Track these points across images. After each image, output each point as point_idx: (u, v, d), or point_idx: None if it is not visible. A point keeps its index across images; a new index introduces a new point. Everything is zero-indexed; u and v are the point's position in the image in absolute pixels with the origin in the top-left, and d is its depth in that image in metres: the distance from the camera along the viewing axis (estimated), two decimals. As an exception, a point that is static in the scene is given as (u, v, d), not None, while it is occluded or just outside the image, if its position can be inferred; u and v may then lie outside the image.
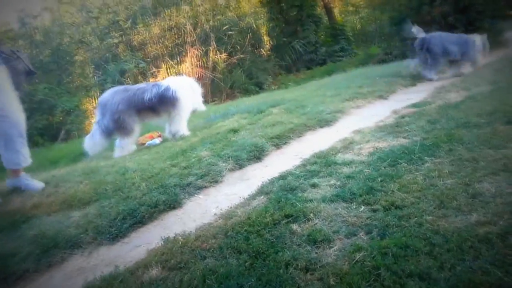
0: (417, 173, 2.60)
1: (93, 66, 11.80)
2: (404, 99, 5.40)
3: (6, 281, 2.09)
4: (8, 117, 3.24)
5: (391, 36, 12.91)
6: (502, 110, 3.56)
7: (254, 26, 13.51)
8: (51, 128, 9.44)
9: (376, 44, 16.62)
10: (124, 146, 4.59)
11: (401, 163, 2.81)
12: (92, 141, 4.65)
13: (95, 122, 4.73)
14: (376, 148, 3.31)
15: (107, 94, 4.67)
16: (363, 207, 2.28)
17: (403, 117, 4.25)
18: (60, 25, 12.50)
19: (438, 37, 6.63)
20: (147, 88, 4.66)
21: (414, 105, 4.72)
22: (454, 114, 3.80)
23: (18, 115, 3.31)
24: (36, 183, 3.42)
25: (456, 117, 3.67)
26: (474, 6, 9.95)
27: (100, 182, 3.32)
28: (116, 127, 4.52)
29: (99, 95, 10.91)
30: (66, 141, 8.96)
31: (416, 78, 6.79)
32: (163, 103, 4.67)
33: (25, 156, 3.42)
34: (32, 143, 8.80)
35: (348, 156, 3.25)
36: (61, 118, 9.63)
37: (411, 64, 7.09)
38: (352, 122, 4.55)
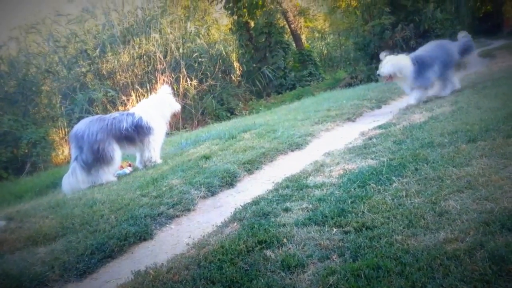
0: (386, 193, 2.65)
1: (60, 96, 11.57)
2: (371, 121, 5.56)
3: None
4: None
5: (356, 60, 13.38)
6: (464, 129, 3.71)
7: (224, 53, 13.69)
8: (16, 161, 9.11)
9: (342, 68, 17.17)
10: (104, 176, 4.46)
11: (370, 184, 2.86)
12: (73, 180, 4.37)
13: (72, 160, 4.51)
14: (346, 170, 3.36)
15: (82, 125, 4.51)
16: (335, 230, 2.30)
17: (370, 138, 4.36)
18: (26, 55, 12.27)
19: None
20: (122, 118, 4.59)
21: (380, 127, 4.85)
22: (419, 135, 3.93)
23: None
24: None
25: (420, 137, 3.80)
26: (433, 30, 10.50)
27: (67, 215, 3.21)
28: (96, 158, 4.37)
29: (66, 126, 10.72)
30: (32, 174, 8.64)
31: (381, 101, 7.02)
32: (139, 132, 4.62)
33: None
34: (-4, 177, 8.46)
35: (319, 179, 3.28)
36: (26, 150, 9.32)
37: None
38: (322, 145, 4.63)
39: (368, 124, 5.36)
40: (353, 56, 14.32)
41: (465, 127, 3.77)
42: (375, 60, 11.74)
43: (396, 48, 10.58)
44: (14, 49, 12.39)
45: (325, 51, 20.70)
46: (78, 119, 10.36)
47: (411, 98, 6.04)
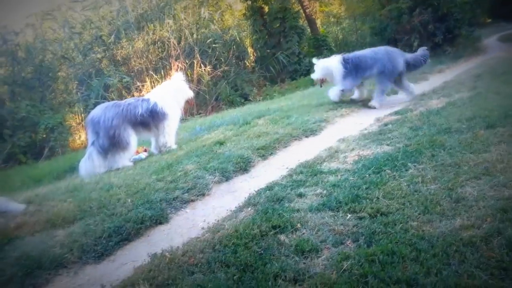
0: (401, 179, 2.63)
1: (76, 82, 11.67)
2: (387, 107, 5.48)
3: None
4: None
5: (372, 45, 13.12)
6: (482, 115, 3.64)
7: (238, 39, 13.59)
8: (34, 146, 9.25)
9: (358, 52, 16.84)
10: (120, 161, 4.51)
11: (385, 170, 2.84)
12: (90, 164, 4.43)
13: (89, 145, 4.57)
14: (361, 156, 3.34)
15: (98, 111, 4.56)
16: (349, 215, 2.30)
17: (386, 124, 4.31)
18: (43, 41, 12.38)
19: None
20: (137, 104, 4.63)
21: (396, 113, 4.79)
22: (436, 120, 3.87)
23: None
24: (16, 206, 3.33)
25: (437, 123, 3.74)
26: (452, 14, 10.19)
27: (84, 199, 3.27)
28: (112, 143, 4.42)
29: (83, 111, 10.84)
30: (50, 158, 8.79)
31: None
32: (154, 118, 4.66)
33: None
34: (15, 161, 8.64)
35: (334, 165, 3.27)
36: (44, 135, 9.45)
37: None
38: (337, 131, 4.60)
39: (384, 110, 5.30)
40: (369, 41, 14.05)
41: (483, 112, 3.70)
42: (392, 45, 11.53)
43: (413, 32, 10.33)
44: (31, 36, 12.49)
45: (341, 36, 20.35)
46: (94, 105, 10.48)
47: (333, 95, 6.02)
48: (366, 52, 5.98)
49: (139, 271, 2.08)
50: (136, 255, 2.40)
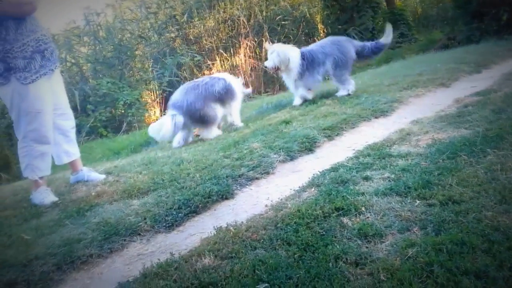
0: (478, 166, 2.45)
1: (151, 60, 12.27)
2: (468, 87, 5.08)
3: (72, 265, 2.27)
4: (67, 113, 3.53)
5: (455, 19, 12.14)
6: None
7: (308, 15, 13.29)
8: (113, 120, 9.99)
9: (438, 28, 15.69)
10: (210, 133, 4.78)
11: (461, 155, 2.66)
12: (169, 131, 4.54)
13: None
14: (435, 140, 3.16)
15: (179, 96, 4.72)
16: (418, 202, 2.20)
17: (465, 106, 4.01)
18: (122, 21, 13.12)
19: None
20: (213, 82, 4.82)
21: (478, 94, 4.43)
22: (523, 103, 3.52)
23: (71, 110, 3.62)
24: (98, 176, 3.65)
25: (525, 106, 3.41)
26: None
27: (157, 172, 3.49)
28: (201, 121, 4.71)
29: (158, 88, 11.40)
30: (128, 132, 9.44)
31: (481, 64, 6.35)
32: (227, 96, 4.85)
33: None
34: (97, 134, 9.40)
35: (404, 148, 3.13)
36: (122, 111, 10.15)
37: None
38: (410, 112, 4.37)
39: (464, 90, 4.92)
40: (451, 15, 13.02)
41: None
42: (477, 19, 10.55)
43: (503, 5, 9.35)
44: (111, 16, 13.30)
45: (420, 10, 19.01)
46: (168, 83, 11.00)
47: (295, 98, 5.50)
48: (314, 47, 5.44)
49: (205, 243, 2.18)
50: (203, 227, 2.52)
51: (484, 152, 2.64)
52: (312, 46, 5.50)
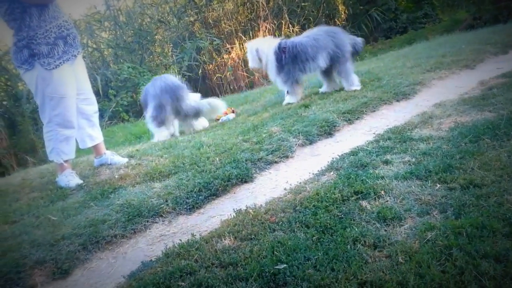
0: (501, 150, 2.40)
1: (171, 44, 12.30)
2: (493, 68, 4.93)
3: (97, 245, 2.36)
4: (90, 98, 3.61)
5: (483, 4, 11.65)
6: None
7: (329, -4, 13.00)
8: (135, 105, 10.11)
9: (464, 8, 15.11)
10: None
11: (484, 139, 2.61)
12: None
13: None
14: (458, 123, 3.10)
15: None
16: (438, 185, 2.18)
17: (490, 88, 3.90)
18: (141, 5, 13.14)
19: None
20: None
21: (504, 75, 4.29)
22: (552, 84, 3.40)
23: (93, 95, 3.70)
24: (120, 159, 3.73)
25: (554, 88, 3.29)
26: None
27: (178, 156, 3.55)
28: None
29: (177, 73, 11.45)
30: (149, 117, 9.55)
31: (508, 45, 6.13)
32: None
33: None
34: (119, 119, 9.56)
35: (426, 132, 3.09)
36: (143, 95, 10.26)
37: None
38: (433, 95, 4.28)
39: (489, 72, 4.77)
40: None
41: None
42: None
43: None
44: (130, 1, 13.33)
45: (446, -11, 18.34)
46: (188, 67, 11.03)
47: (286, 97, 4.93)
48: (303, 39, 4.72)
49: (225, 224, 2.23)
50: (223, 209, 2.57)
51: (508, 135, 2.58)
52: (302, 37, 4.81)
